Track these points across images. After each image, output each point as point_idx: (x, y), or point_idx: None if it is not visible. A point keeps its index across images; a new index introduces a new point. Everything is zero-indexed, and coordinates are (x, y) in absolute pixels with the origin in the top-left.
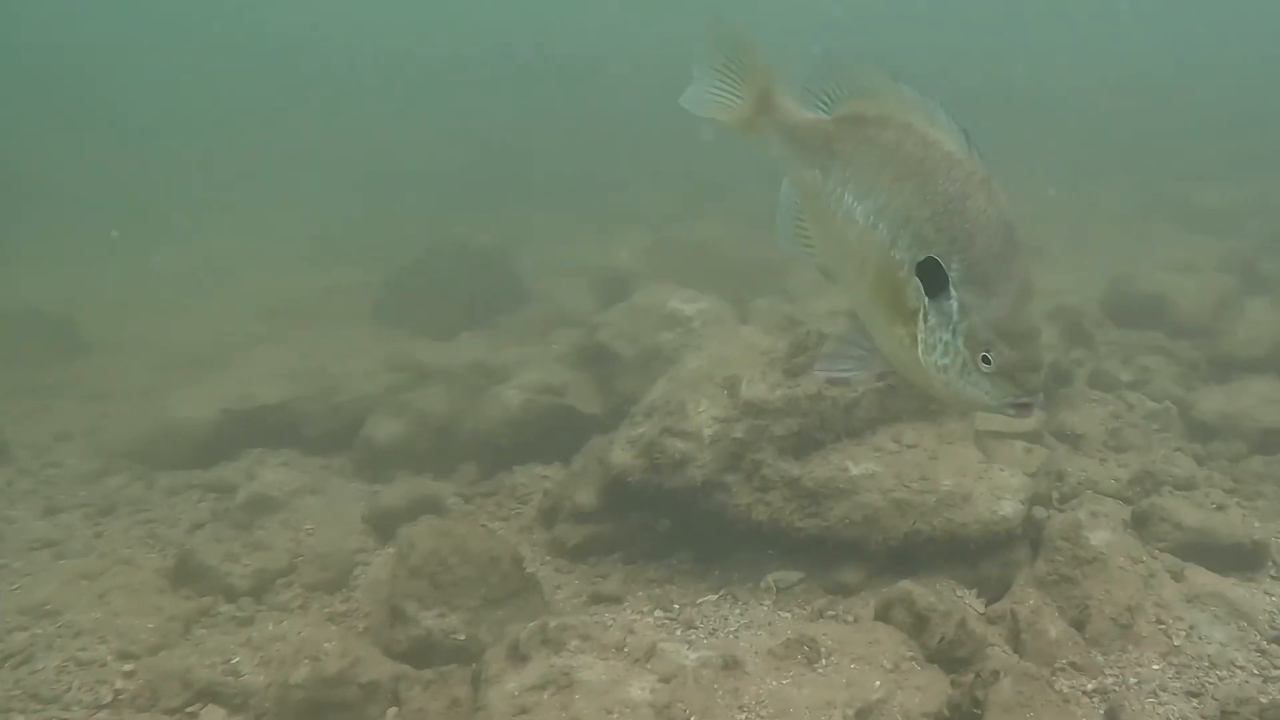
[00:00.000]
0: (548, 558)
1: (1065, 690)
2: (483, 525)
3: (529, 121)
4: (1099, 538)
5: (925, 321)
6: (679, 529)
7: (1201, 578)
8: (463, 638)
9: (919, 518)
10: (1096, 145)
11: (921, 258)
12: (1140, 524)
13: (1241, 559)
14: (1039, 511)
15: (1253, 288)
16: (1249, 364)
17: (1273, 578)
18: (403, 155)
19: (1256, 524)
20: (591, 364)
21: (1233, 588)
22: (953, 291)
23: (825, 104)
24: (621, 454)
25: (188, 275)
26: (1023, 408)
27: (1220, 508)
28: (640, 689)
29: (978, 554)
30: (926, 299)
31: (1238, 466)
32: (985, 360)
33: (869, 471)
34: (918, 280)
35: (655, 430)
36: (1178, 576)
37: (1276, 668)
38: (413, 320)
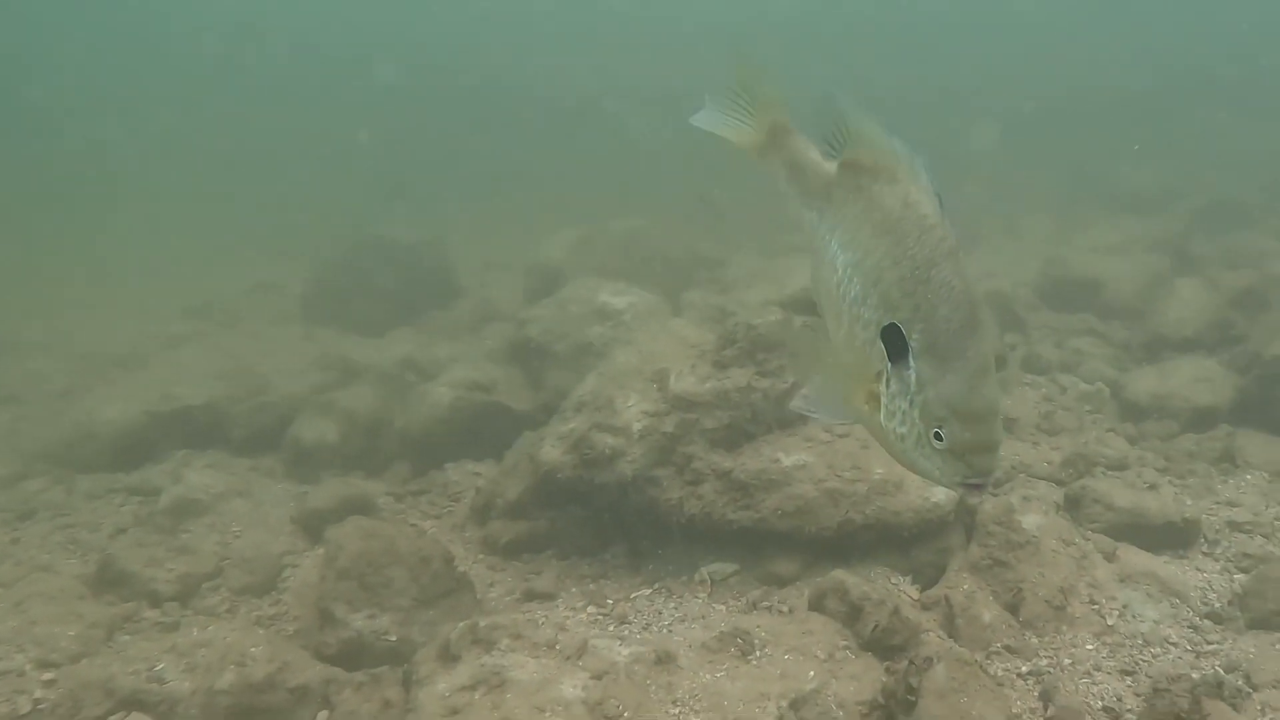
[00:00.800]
0: (480, 555)
1: (1000, 673)
2: (414, 524)
3: (454, 115)
4: (1031, 521)
5: (887, 386)
6: (612, 524)
7: (1134, 557)
8: (394, 639)
9: (851, 507)
10: (1025, 132)
11: (887, 321)
12: (1072, 506)
13: (1173, 537)
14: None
15: (1184, 268)
16: (1180, 344)
17: (1204, 554)
18: (327, 151)
19: (1188, 501)
20: (521, 359)
21: (1164, 566)
22: (912, 361)
23: (832, 147)
24: (551, 450)
25: (105, 272)
26: (972, 488)
27: (1152, 487)
28: (572, 687)
29: (911, 541)
30: (889, 364)
31: (1169, 445)
32: (938, 436)
33: (801, 462)
34: (882, 344)
35: (585, 426)
36: (1110, 557)
37: (1209, 643)
38: (342, 317)
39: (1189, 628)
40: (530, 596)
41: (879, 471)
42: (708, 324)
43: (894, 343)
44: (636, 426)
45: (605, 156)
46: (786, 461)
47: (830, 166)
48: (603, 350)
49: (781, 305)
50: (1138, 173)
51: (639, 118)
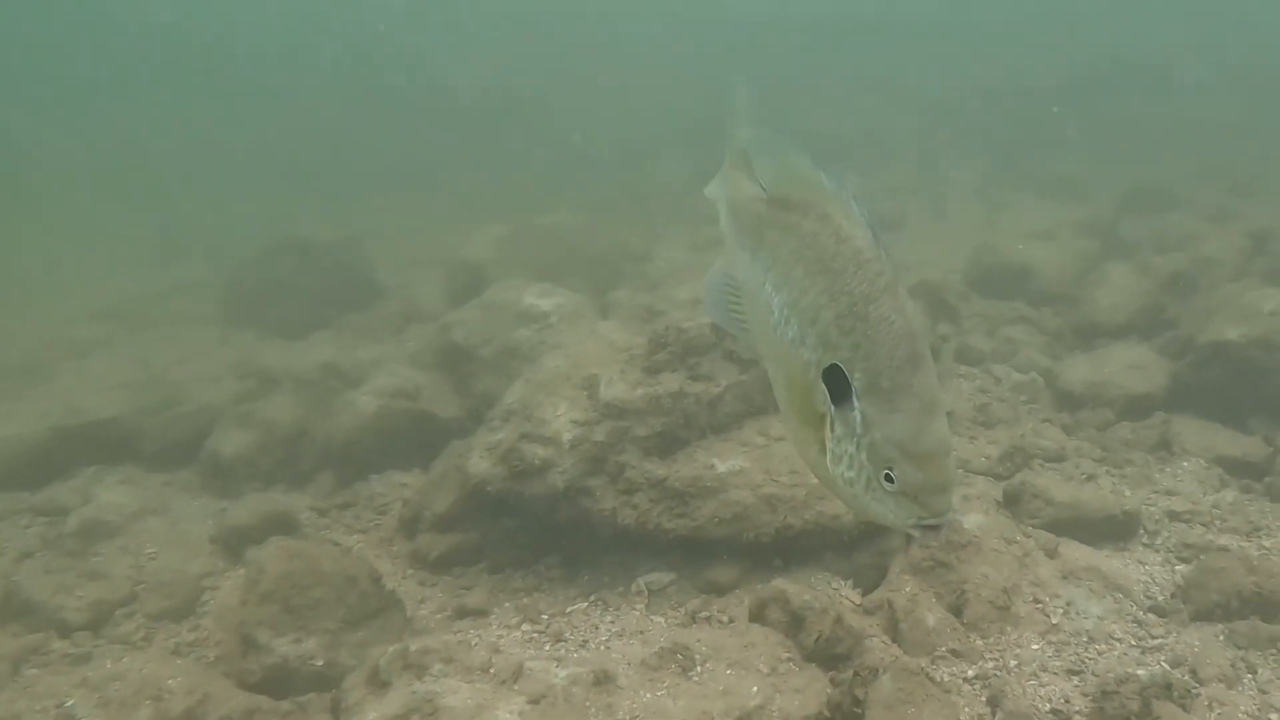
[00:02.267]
0: (410, 570)
1: (946, 679)
2: (339, 542)
3: (369, 109)
4: (972, 520)
5: (832, 430)
6: (545, 535)
7: (1075, 552)
8: (321, 663)
9: (790, 512)
10: (955, 119)
11: (828, 362)
12: (1011, 502)
13: (1114, 530)
14: None
15: (1114, 252)
16: (1113, 330)
17: (1145, 546)
18: (240, 147)
19: (1127, 492)
20: (447, 364)
21: (1106, 560)
22: (856, 402)
23: (760, 185)
24: (480, 462)
25: (3, 274)
26: (929, 530)
27: (1090, 478)
28: (508, 713)
29: (851, 544)
30: (832, 407)
31: (1106, 435)
32: (888, 479)
33: (736, 468)
34: (823, 386)
35: (514, 436)
36: (1052, 553)
37: (1153, 638)
38: (260, 320)
39: (1133, 622)
40: (462, 613)
41: None
42: (636, 325)
43: (836, 384)
44: (567, 436)
45: (534, 152)
46: (722, 468)
47: (761, 203)
48: (530, 354)
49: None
50: (1066, 159)
51: (575, 114)
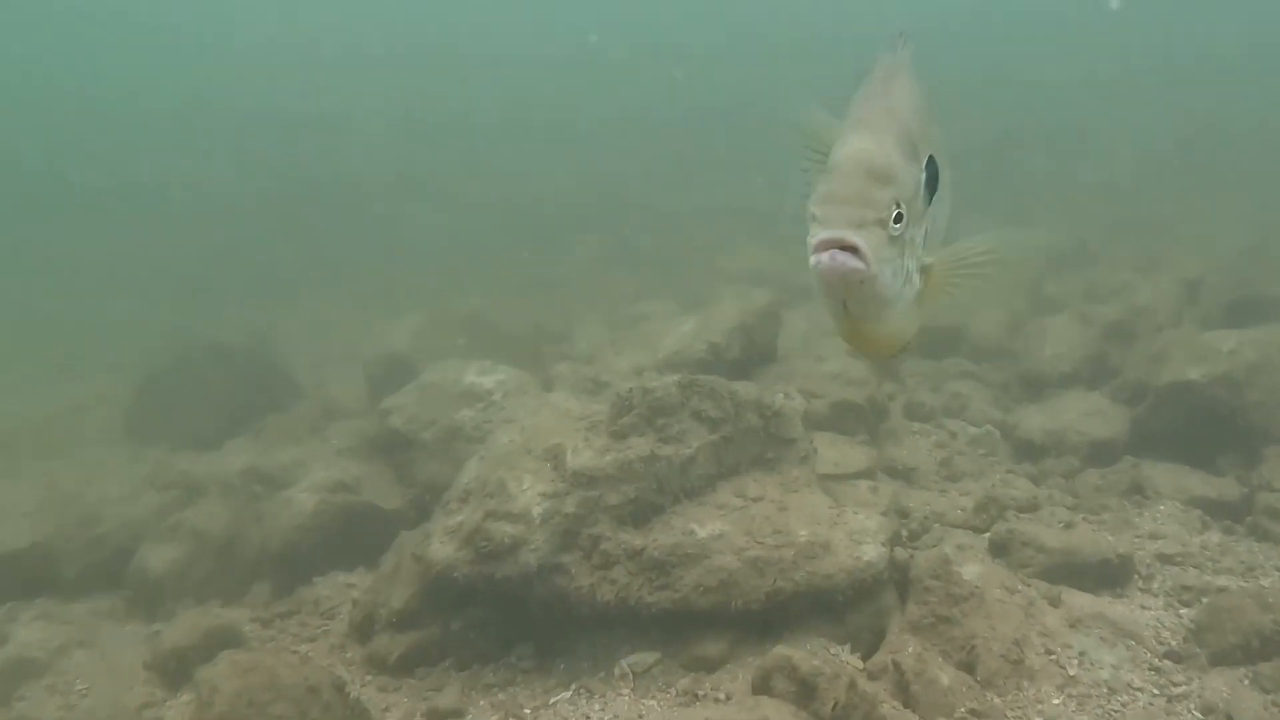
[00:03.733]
0: (369, 676)
1: None
2: (292, 651)
3: (256, 205)
4: (971, 571)
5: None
6: (514, 622)
7: (1077, 600)
8: None
9: (779, 574)
10: None
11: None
12: (1001, 552)
13: (1109, 575)
14: (899, 553)
15: (1040, 308)
16: (1058, 380)
17: (1142, 590)
18: (123, 249)
19: (1110, 537)
20: (384, 453)
21: (1111, 606)
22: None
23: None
24: (442, 547)
25: None
26: (814, 252)
27: (1068, 526)
28: None
29: (845, 606)
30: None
31: (1075, 482)
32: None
33: (718, 532)
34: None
35: (478, 516)
36: (1055, 602)
37: (1176, 684)
38: (170, 432)
39: (1151, 670)
40: (434, 717)
41: (803, 534)
42: (586, 396)
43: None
44: (537, 510)
45: (428, 234)
46: (702, 533)
47: None
48: (475, 434)
49: (657, 369)
50: (979, 218)
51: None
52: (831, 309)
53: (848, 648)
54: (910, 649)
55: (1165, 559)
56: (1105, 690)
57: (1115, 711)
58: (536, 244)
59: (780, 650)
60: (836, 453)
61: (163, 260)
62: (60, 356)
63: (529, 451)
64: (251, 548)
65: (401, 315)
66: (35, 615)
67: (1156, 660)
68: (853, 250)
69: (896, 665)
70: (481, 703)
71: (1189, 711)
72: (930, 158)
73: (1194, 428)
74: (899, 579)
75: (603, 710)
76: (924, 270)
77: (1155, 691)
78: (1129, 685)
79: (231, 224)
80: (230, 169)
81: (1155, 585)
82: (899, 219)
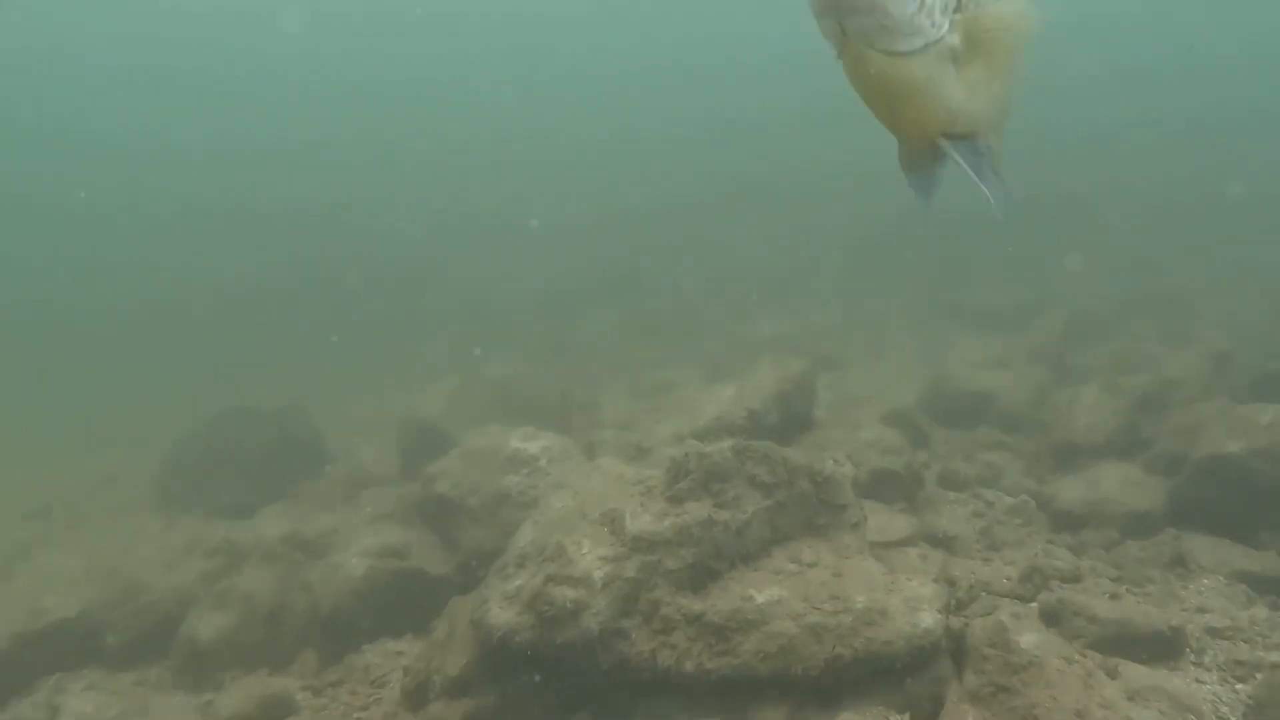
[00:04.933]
0: None
1: None
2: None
3: (281, 273)
4: (1029, 640)
5: None
6: (571, 689)
7: (1133, 671)
8: None
9: (838, 641)
10: (872, 253)
11: None
12: (1053, 621)
13: (1161, 648)
14: (953, 620)
15: (1064, 378)
16: (1091, 450)
17: (1194, 664)
18: (158, 319)
19: (1154, 610)
20: (430, 519)
21: (1169, 679)
22: None
23: None
24: (502, 612)
25: None
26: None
27: (1114, 597)
28: None
29: (904, 673)
30: None
31: (1116, 554)
32: None
33: (775, 597)
34: None
35: (538, 580)
36: (1112, 673)
37: None
38: (205, 500)
39: None
40: None
41: (860, 600)
42: (637, 461)
43: None
44: (598, 575)
45: (453, 302)
46: (760, 598)
47: None
48: (521, 500)
49: (696, 436)
50: (988, 290)
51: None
52: (826, 26)
53: (906, 716)
54: (970, 718)
55: (1215, 633)
56: None
57: None
58: (556, 310)
59: (845, 717)
60: (878, 520)
61: (183, 328)
62: (87, 425)
63: (585, 516)
64: (298, 614)
65: (428, 381)
66: (84, 686)
67: None
68: None
69: None
70: None
71: None
72: None
73: (1233, 500)
74: (954, 647)
75: None
76: (962, 24)
77: None
78: None
79: (251, 289)
80: (251, 240)
81: (1207, 659)
82: None
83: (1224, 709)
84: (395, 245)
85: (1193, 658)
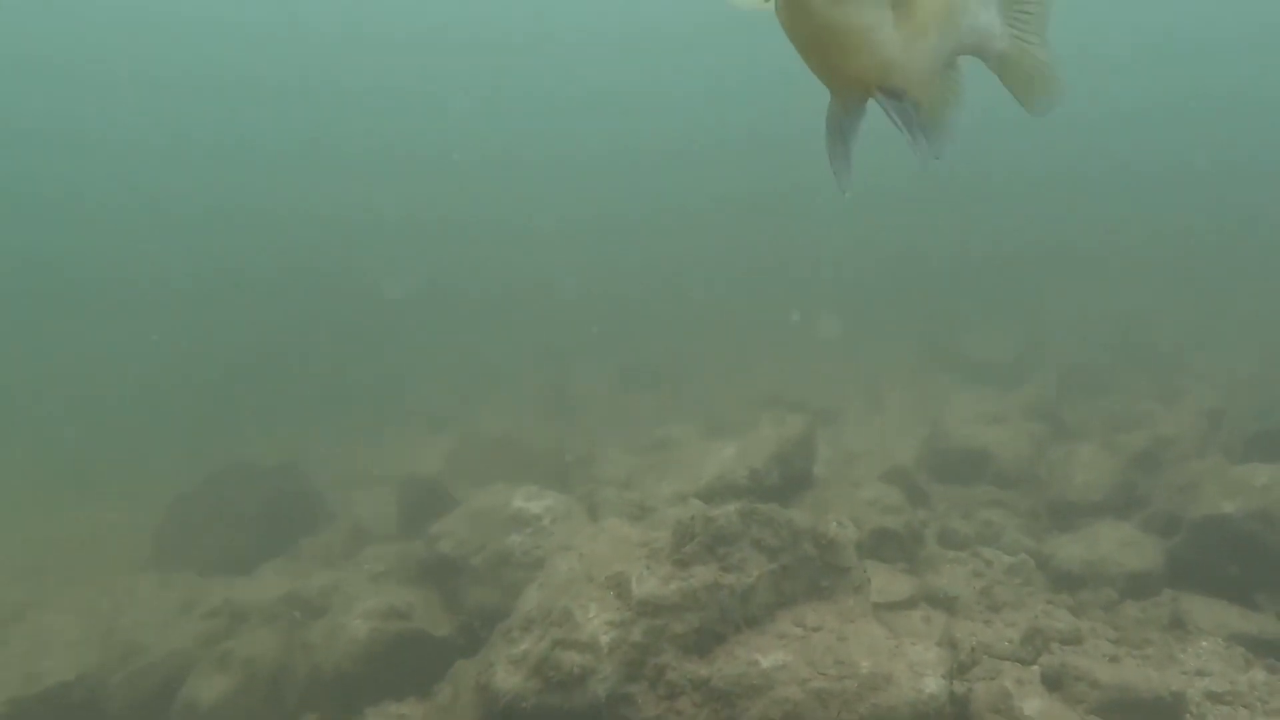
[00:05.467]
0: None
1: None
2: None
3: (277, 329)
4: (1032, 707)
5: None
6: None
7: None
8: None
9: (843, 707)
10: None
11: None
12: (1054, 686)
13: (1161, 713)
14: (958, 686)
15: (1061, 434)
16: (1089, 509)
17: None
18: (150, 373)
19: (1155, 674)
20: (433, 579)
21: None
22: None
23: None
24: (508, 677)
25: None
26: None
27: (1114, 660)
28: None
29: None
30: None
31: (1115, 615)
32: None
33: (780, 662)
34: None
35: (545, 645)
36: None
37: None
38: (201, 557)
39: None
40: None
41: (865, 665)
42: (633, 521)
43: None
44: (605, 639)
45: (449, 354)
46: (765, 663)
47: None
48: (525, 560)
49: (698, 496)
50: (982, 337)
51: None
52: None
53: None
54: None
55: (1214, 697)
56: None
57: None
58: (549, 359)
59: None
60: (880, 580)
61: (178, 381)
62: (78, 475)
63: (591, 579)
64: (300, 677)
65: (427, 433)
66: None
67: None
68: None
69: None
70: None
71: None
72: None
73: (1230, 562)
74: (958, 713)
75: None
76: None
77: None
78: None
79: (245, 341)
80: (245, 295)
81: None
82: None
83: None
84: (383, 293)
85: None
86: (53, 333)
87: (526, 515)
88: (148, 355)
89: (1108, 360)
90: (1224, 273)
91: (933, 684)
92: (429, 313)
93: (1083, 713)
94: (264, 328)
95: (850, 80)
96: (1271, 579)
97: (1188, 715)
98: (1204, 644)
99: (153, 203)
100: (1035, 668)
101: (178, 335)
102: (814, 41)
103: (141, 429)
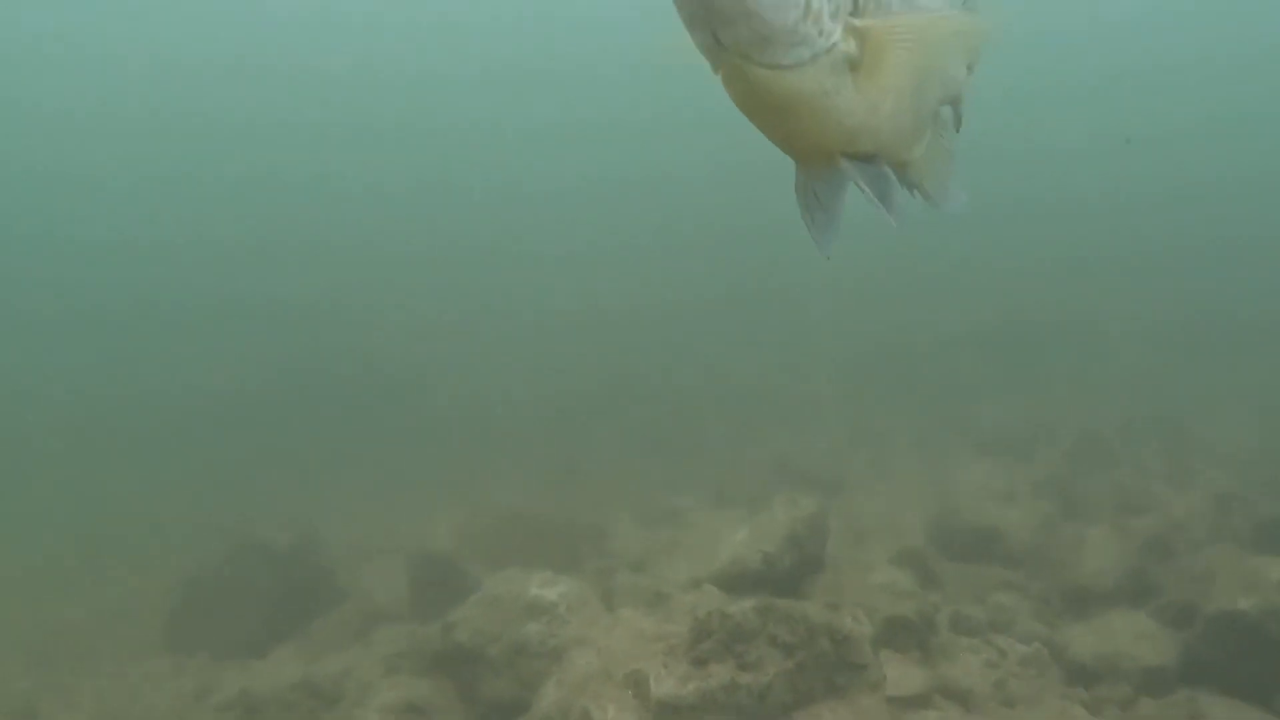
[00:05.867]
0: None
1: None
2: None
3: (274, 379)
4: None
5: None
6: None
7: None
8: None
9: None
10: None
11: None
12: None
13: None
14: None
15: (1070, 511)
16: (1102, 596)
17: None
18: (151, 427)
19: None
20: (448, 669)
21: None
22: None
23: None
24: None
25: None
26: None
27: None
28: None
29: None
30: None
31: (1130, 713)
32: None
33: None
34: None
35: None
36: None
37: None
38: (214, 640)
39: None
40: None
41: None
42: (647, 608)
43: None
44: None
45: (453, 414)
46: None
47: None
48: (541, 649)
49: (713, 581)
50: (990, 407)
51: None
52: (699, 38)
53: None
54: None
55: None
56: None
57: None
58: (554, 425)
59: None
60: (894, 671)
61: (177, 437)
62: (85, 554)
63: (609, 677)
64: None
65: (435, 501)
66: None
67: None
68: None
69: None
70: None
71: None
72: None
73: (1247, 660)
74: None
75: None
76: (858, 33)
77: None
78: None
79: (245, 413)
80: (239, 356)
81: None
82: None
83: None
84: (389, 348)
85: None
86: (50, 386)
87: (543, 603)
88: (148, 407)
89: (1117, 431)
90: (1230, 342)
91: None
92: (430, 366)
93: None
94: (261, 378)
95: (809, 149)
96: None
97: None
98: None
99: (147, 242)
100: None
101: (176, 385)
102: (761, 112)
103: (145, 483)
